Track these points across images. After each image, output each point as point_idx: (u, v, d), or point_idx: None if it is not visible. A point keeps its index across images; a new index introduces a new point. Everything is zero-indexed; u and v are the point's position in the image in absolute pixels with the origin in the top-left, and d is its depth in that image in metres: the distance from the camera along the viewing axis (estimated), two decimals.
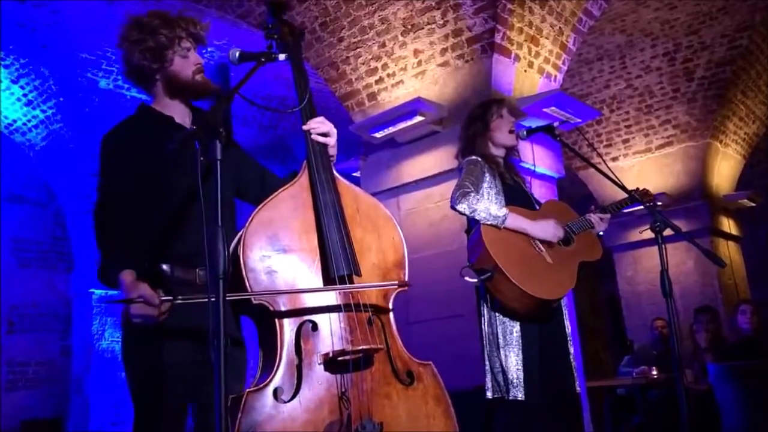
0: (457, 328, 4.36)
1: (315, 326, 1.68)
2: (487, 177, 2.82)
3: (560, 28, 4.87)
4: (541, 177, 4.69)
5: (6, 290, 7.40)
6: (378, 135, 5.02)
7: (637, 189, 2.93)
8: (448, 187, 2.96)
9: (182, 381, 1.80)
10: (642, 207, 2.74)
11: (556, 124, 3.26)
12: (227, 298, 1.43)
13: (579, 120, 4.95)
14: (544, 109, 4.66)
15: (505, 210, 2.68)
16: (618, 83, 7.20)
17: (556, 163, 4.92)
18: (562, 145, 3.00)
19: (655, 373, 5.24)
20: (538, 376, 2.64)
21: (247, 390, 1.57)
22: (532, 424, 2.62)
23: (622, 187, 2.71)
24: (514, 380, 2.60)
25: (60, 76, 6.24)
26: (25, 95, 6.53)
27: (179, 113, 1.99)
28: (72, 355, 7.27)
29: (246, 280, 1.65)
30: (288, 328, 1.66)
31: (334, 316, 1.71)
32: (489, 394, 2.67)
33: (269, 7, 1.99)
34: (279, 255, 1.71)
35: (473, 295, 2.85)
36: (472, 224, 2.76)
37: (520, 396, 2.58)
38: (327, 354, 1.65)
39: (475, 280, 2.62)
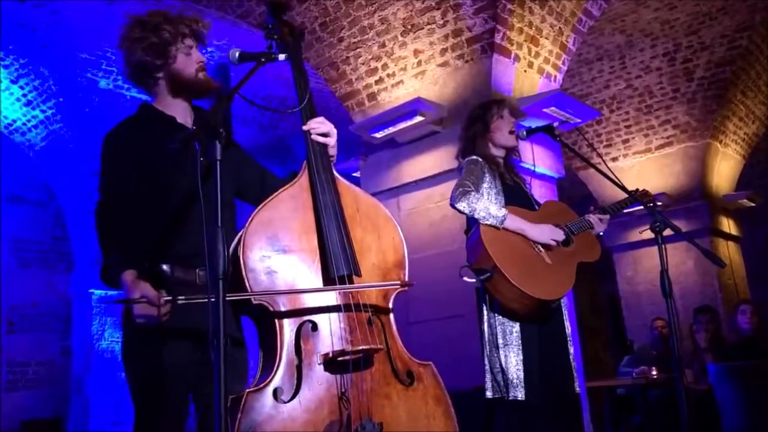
0: (457, 329, 4.36)
1: (315, 326, 1.68)
2: (488, 177, 2.83)
3: (560, 28, 4.87)
4: (541, 177, 4.69)
5: (6, 290, 7.40)
6: (378, 135, 5.02)
7: (637, 190, 2.93)
8: (449, 187, 2.96)
9: (182, 381, 1.80)
10: (642, 207, 2.74)
11: (555, 124, 3.26)
12: (227, 299, 1.43)
13: (579, 120, 4.95)
14: (544, 110, 4.66)
15: (504, 210, 2.68)
16: (618, 83, 7.20)
17: (556, 163, 4.92)
18: (562, 145, 3.00)
19: (655, 373, 5.24)
20: (538, 376, 2.64)
21: (247, 390, 1.57)
22: (532, 424, 2.62)
23: (622, 188, 2.71)
24: (514, 380, 2.60)
25: (60, 76, 6.24)
26: (24, 95, 6.53)
27: (181, 113, 1.99)
28: (72, 355, 7.27)
29: (246, 281, 1.65)
30: (288, 328, 1.66)
31: (333, 316, 1.71)
32: (489, 394, 2.67)
33: (269, 8, 1.99)
34: (279, 255, 1.71)
35: (473, 295, 2.85)
36: (472, 224, 2.77)
37: (520, 396, 2.58)
38: (327, 354, 1.65)
39: (474, 280, 2.62)
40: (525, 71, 4.82)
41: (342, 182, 1.89)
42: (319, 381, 1.64)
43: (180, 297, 1.61)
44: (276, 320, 1.66)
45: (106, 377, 6.82)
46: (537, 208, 2.90)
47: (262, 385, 1.59)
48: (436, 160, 4.85)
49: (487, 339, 2.70)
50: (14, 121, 6.87)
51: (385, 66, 5.09)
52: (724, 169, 7.71)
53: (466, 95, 4.71)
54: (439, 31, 4.75)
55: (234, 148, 2.05)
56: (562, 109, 4.71)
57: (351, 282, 1.73)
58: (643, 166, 7.69)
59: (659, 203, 6.51)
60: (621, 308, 8.01)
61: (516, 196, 2.86)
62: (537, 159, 4.32)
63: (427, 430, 1.72)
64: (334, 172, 1.89)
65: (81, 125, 6.59)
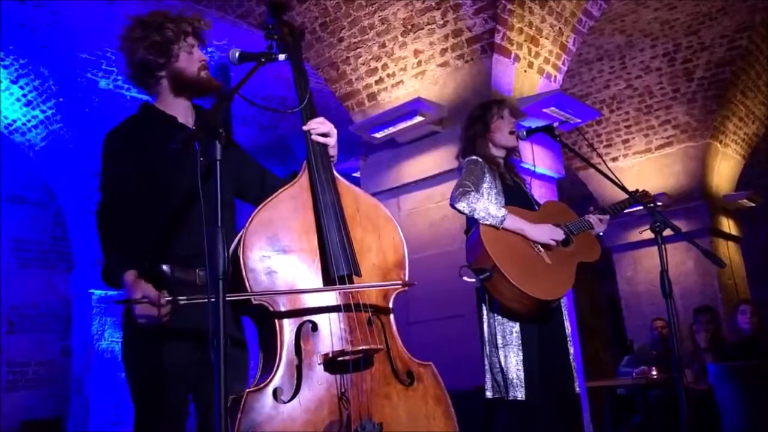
0: (457, 329, 4.36)
1: (315, 326, 1.68)
2: (488, 177, 2.83)
3: (560, 28, 4.87)
4: (541, 177, 4.69)
5: (6, 290, 7.40)
6: (378, 135, 5.02)
7: (637, 190, 2.93)
8: (449, 187, 2.96)
9: (182, 381, 1.80)
10: (642, 207, 2.74)
11: (555, 124, 3.27)
12: (227, 299, 1.43)
13: (579, 120, 4.95)
14: (544, 110, 4.66)
15: (504, 210, 2.68)
16: (618, 83, 7.20)
17: (556, 163, 4.92)
18: (562, 145, 3.00)
19: (655, 373, 5.24)
20: (538, 376, 2.64)
21: (247, 390, 1.57)
22: (531, 424, 2.62)
23: (622, 188, 2.71)
24: (514, 380, 2.60)
25: (60, 77, 6.24)
26: (24, 95, 6.53)
27: (182, 112, 1.99)
28: (72, 355, 7.27)
29: (246, 281, 1.65)
30: (288, 328, 1.66)
31: (333, 316, 1.71)
32: (489, 394, 2.67)
33: (269, 8, 1.99)
34: (279, 255, 1.71)
35: (473, 295, 2.85)
36: (471, 224, 2.77)
37: (520, 396, 2.58)
38: (327, 354, 1.65)
39: (474, 279, 2.62)
40: (525, 71, 4.82)
41: (342, 182, 1.89)
42: (319, 381, 1.64)
43: (182, 297, 1.61)
44: (276, 320, 1.66)
45: (106, 377, 6.82)
46: (537, 208, 2.90)
47: (262, 385, 1.59)
48: (436, 160, 4.85)
49: (486, 339, 2.70)
50: (14, 121, 6.87)
51: (385, 66, 5.09)
52: (724, 169, 7.71)
53: (466, 95, 4.71)
54: (439, 31, 4.75)
55: (234, 148, 2.05)
56: (562, 109, 4.71)
57: (351, 282, 1.73)
58: (643, 166, 7.70)
59: (659, 203, 6.51)
60: (621, 308, 8.02)
61: (516, 197, 2.87)
62: (537, 159, 4.32)
63: (427, 430, 1.72)
64: (334, 172, 1.89)
65: (81, 125, 6.59)
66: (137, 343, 1.82)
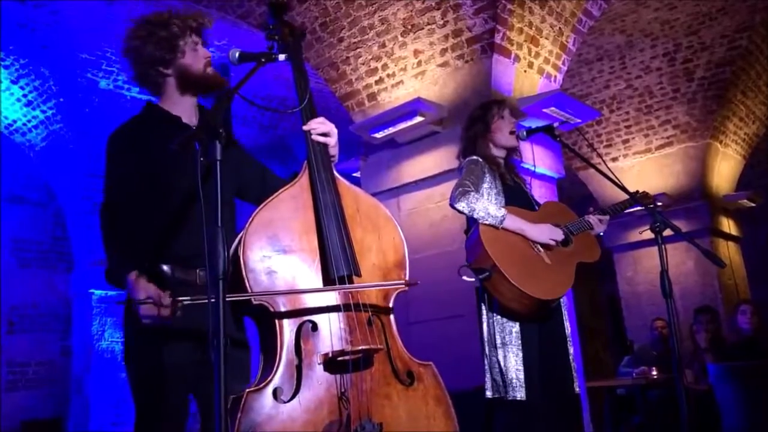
0: (457, 329, 4.36)
1: (315, 326, 1.68)
2: (488, 177, 2.83)
3: (560, 28, 4.87)
4: (541, 177, 4.69)
5: (6, 290, 7.40)
6: (378, 135, 5.02)
7: (637, 191, 2.93)
8: (449, 187, 2.96)
9: (183, 381, 1.80)
10: (642, 207, 2.74)
11: (556, 124, 3.27)
12: (227, 299, 1.43)
13: (579, 120, 4.94)
14: (544, 110, 4.66)
15: (503, 210, 2.68)
16: (618, 83, 7.20)
17: (556, 163, 4.92)
18: (562, 145, 3.00)
19: (655, 373, 5.24)
20: (538, 376, 2.64)
21: (247, 390, 1.57)
22: (531, 425, 2.62)
23: (623, 188, 2.71)
24: (514, 380, 2.60)
25: (60, 77, 6.25)
26: (25, 95, 6.53)
27: (187, 112, 1.99)
28: (72, 355, 7.27)
29: (246, 281, 1.65)
30: (288, 328, 1.66)
31: (333, 316, 1.71)
32: (488, 394, 2.67)
33: (270, 8, 1.99)
34: (279, 255, 1.71)
35: (473, 295, 2.85)
36: (471, 224, 2.77)
37: (520, 396, 2.58)
38: (326, 354, 1.65)
39: (473, 279, 2.62)
40: (525, 71, 4.82)
41: (342, 182, 1.89)
42: (318, 381, 1.64)
43: (186, 298, 1.61)
44: (276, 320, 1.66)
45: (106, 377, 6.82)
46: (537, 208, 2.90)
47: (262, 385, 1.59)
48: (436, 160, 4.85)
49: (486, 339, 2.70)
50: (14, 121, 6.87)
51: (385, 66, 5.09)
52: (725, 169, 7.71)
53: (466, 95, 4.71)
54: (439, 31, 4.75)
55: (234, 148, 2.05)
56: (562, 109, 4.71)
57: (351, 282, 1.73)
58: (643, 166, 7.69)
59: (659, 203, 6.51)
60: (621, 308, 8.02)
61: (516, 197, 2.87)
62: (537, 159, 4.31)
63: (427, 431, 1.72)
64: (335, 172, 1.89)
65: (81, 125, 6.59)
66: (138, 343, 1.82)
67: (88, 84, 6.35)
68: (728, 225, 7.75)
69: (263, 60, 1.70)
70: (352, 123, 5.21)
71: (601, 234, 2.95)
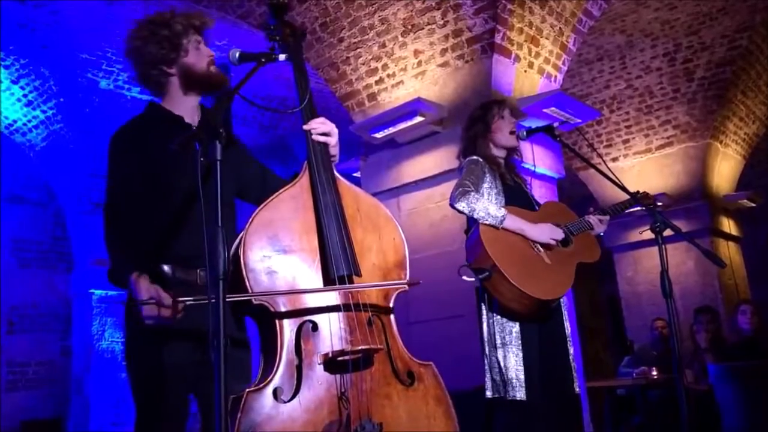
0: (457, 329, 4.36)
1: (315, 326, 1.68)
2: (488, 177, 2.83)
3: (560, 28, 4.87)
4: (541, 177, 4.69)
5: (6, 290, 7.40)
6: (378, 135, 5.02)
7: (638, 192, 2.93)
8: (449, 187, 2.96)
9: (183, 381, 1.80)
10: (642, 207, 2.74)
11: (556, 124, 3.27)
12: (227, 299, 1.43)
13: (579, 120, 4.94)
14: (544, 110, 4.65)
15: (503, 210, 2.68)
16: (618, 83, 7.20)
17: (556, 163, 4.92)
18: (562, 145, 3.00)
19: (655, 373, 5.24)
20: (538, 376, 2.64)
21: (247, 390, 1.57)
22: (531, 425, 2.62)
23: (623, 188, 2.71)
24: (514, 380, 2.60)
25: (60, 77, 6.25)
26: (25, 95, 6.53)
27: (189, 111, 1.98)
28: (72, 355, 7.27)
29: (246, 281, 1.65)
30: (288, 328, 1.66)
31: (334, 316, 1.71)
32: (489, 394, 2.67)
33: (270, 9, 1.99)
34: (279, 255, 1.71)
35: (473, 295, 2.85)
36: (471, 224, 2.77)
37: (520, 396, 2.58)
38: (327, 354, 1.65)
39: (473, 279, 2.62)
40: (525, 71, 4.82)
41: (343, 182, 1.89)
42: (319, 381, 1.64)
43: (187, 298, 1.61)
44: (276, 320, 1.66)
45: (106, 377, 6.82)
46: (537, 208, 2.90)
47: (262, 385, 1.59)
48: (437, 160, 4.85)
49: (486, 339, 2.70)
50: (15, 121, 6.87)
51: (385, 66, 5.09)
52: (725, 169, 7.71)
53: (466, 95, 4.71)
54: (439, 32, 4.75)
55: (235, 148, 2.05)
56: (562, 109, 4.71)
57: (351, 282, 1.73)
58: (644, 166, 7.69)
59: (659, 203, 6.51)
60: (621, 308, 8.01)
61: (516, 197, 2.87)
62: (537, 159, 4.31)
63: (427, 431, 1.72)
64: (335, 172, 1.89)
65: (81, 125, 6.59)
66: (138, 343, 1.83)
67: (89, 84, 6.36)
68: (728, 225, 7.75)
69: (263, 60, 1.70)
70: (352, 123, 5.21)
71: (602, 234, 2.95)
